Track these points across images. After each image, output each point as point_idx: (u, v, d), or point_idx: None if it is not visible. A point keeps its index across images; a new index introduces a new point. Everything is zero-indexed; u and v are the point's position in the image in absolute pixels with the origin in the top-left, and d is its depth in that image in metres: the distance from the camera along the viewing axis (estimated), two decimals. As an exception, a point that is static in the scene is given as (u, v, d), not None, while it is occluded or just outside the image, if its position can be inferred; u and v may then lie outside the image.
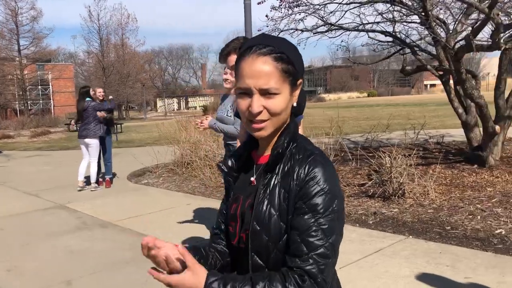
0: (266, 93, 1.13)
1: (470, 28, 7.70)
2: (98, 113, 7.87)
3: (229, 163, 1.29)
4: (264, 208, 1.15)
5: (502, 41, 5.23)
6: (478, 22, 6.27)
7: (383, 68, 66.63)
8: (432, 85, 78.83)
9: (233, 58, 3.21)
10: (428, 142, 10.96)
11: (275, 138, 1.21)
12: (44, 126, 27.52)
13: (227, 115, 4.02)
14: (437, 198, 5.89)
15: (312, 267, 1.07)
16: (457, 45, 6.72)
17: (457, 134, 12.47)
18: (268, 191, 1.16)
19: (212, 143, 9.06)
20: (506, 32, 7.22)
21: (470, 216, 5.09)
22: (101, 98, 8.19)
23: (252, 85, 1.12)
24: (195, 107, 58.41)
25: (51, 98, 45.94)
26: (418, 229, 4.92)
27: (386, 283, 3.66)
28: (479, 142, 8.01)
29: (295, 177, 1.14)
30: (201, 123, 4.19)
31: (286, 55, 1.15)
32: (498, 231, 4.61)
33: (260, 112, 1.13)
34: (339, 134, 10.65)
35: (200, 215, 6.10)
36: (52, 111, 43.96)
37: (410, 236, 4.76)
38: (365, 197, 6.25)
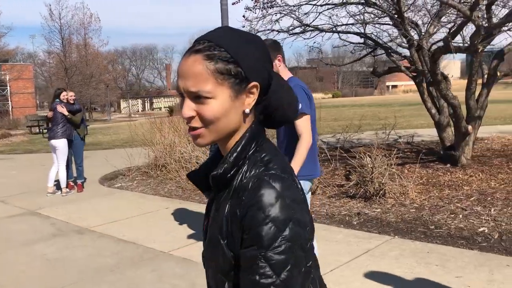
0: (195, 97, 0.98)
1: (443, 30, 7.89)
2: (58, 107, 7.54)
3: (198, 169, 1.14)
4: (214, 231, 1.01)
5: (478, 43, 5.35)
6: (456, 24, 6.40)
7: (347, 70, 67.72)
8: (394, 86, 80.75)
9: None
10: (399, 142, 11.18)
11: (232, 147, 1.03)
12: (3, 129, 26.47)
13: None
14: (417, 197, 5.98)
15: None
16: (434, 47, 6.84)
17: (425, 134, 12.78)
18: (218, 212, 1.01)
19: (187, 144, 8.91)
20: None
21: (452, 215, 5.18)
22: (71, 102, 7.92)
23: (181, 87, 0.99)
24: (160, 108, 57.69)
25: (9, 99, 44.29)
26: (402, 229, 4.96)
27: (380, 285, 3.65)
28: (451, 142, 8.21)
29: (240, 201, 0.95)
30: None
31: (229, 52, 0.98)
32: (481, 229, 4.70)
33: (191, 118, 0.99)
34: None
35: (180, 219, 5.96)
36: (11, 112, 42.38)
37: (396, 236, 4.79)
38: (346, 197, 6.27)
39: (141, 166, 9.52)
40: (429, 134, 12.88)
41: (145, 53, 77.09)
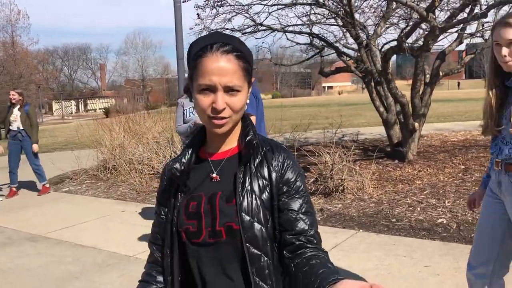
0: (229, 90, 1.17)
1: (389, 31, 8.19)
2: None
3: (179, 166, 1.27)
4: (250, 198, 1.20)
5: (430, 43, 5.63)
6: (407, 25, 6.67)
7: (285, 71, 68.89)
8: (330, 87, 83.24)
9: None
10: (345, 140, 11.51)
11: (230, 134, 1.28)
12: None
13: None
14: (374, 192, 6.18)
15: (316, 239, 1.23)
16: (386, 47, 7.10)
17: (367, 132, 13.25)
18: (247, 182, 1.22)
19: (137, 145, 8.65)
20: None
21: (411, 208, 5.40)
22: (13, 101, 7.46)
23: (217, 82, 1.15)
24: (95, 110, 55.74)
25: None
26: (366, 223, 5.11)
27: (353, 278, 3.72)
28: (398, 139, 8.56)
29: (272, 166, 1.24)
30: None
31: (245, 54, 1.21)
32: (440, 220, 4.94)
33: (224, 109, 1.17)
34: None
35: (139, 222, 5.77)
36: None
37: (360, 230, 4.92)
38: (306, 194, 6.34)
39: (88, 168, 9.12)
40: (371, 132, 13.37)
41: (78, 53, 74.09)
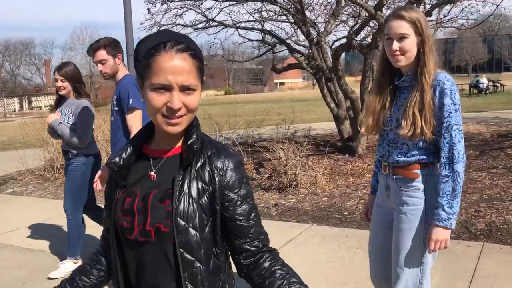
0: (185, 89, 1.17)
1: (339, 28, 8.39)
2: None
3: (118, 160, 1.27)
4: (187, 203, 1.19)
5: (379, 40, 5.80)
6: (357, 23, 6.84)
7: (237, 67, 68.88)
8: (281, 84, 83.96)
9: (100, 54, 3.46)
10: (297, 136, 11.68)
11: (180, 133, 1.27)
12: None
13: (67, 122, 4.01)
14: (326, 186, 6.31)
15: (268, 241, 1.30)
16: (336, 44, 7.24)
17: (319, 128, 13.50)
18: (186, 186, 1.21)
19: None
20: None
21: (362, 201, 5.56)
22: None
23: (173, 81, 1.15)
24: (40, 107, 53.52)
25: None
26: (319, 217, 5.21)
27: (310, 271, 3.79)
28: (349, 134, 8.78)
29: (217, 170, 1.23)
30: (47, 116, 4.16)
31: (198, 53, 1.21)
32: (389, 212, 5.11)
33: (179, 108, 1.17)
34: (214, 131, 10.71)
35: (89, 222, 5.61)
36: None
37: (314, 224, 5.02)
38: (260, 190, 6.40)
39: (34, 169, 8.76)
40: (322, 127, 13.62)
41: (20, 48, 70.75)
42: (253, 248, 1.25)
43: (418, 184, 2.13)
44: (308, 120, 16.76)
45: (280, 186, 6.24)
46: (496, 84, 28.14)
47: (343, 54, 8.46)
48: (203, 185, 1.22)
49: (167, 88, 1.16)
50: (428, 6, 6.59)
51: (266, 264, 1.25)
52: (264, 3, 8.98)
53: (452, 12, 8.82)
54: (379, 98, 2.23)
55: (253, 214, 1.26)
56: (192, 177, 1.21)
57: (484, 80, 26.19)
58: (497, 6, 7.10)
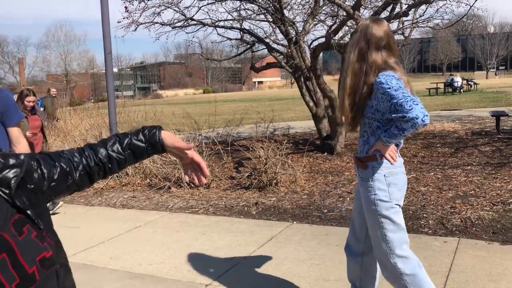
0: None
1: (317, 27, 8.44)
2: None
3: None
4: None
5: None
6: (335, 22, 6.89)
7: (216, 66, 68.68)
8: (260, 82, 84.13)
9: None
10: (276, 134, 11.72)
11: None
12: None
13: None
14: (306, 184, 6.36)
15: None
16: (315, 43, 7.30)
17: (297, 126, 13.57)
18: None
19: (63, 144, 8.27)
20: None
21: (341, 199, 5.63)
22: None
23: None
24: (14, 107, 52.30)
25: None
26: (299, 215, 5.25)
27: (291, 268, 3.83)
28: (327, 132, 8.85)
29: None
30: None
31: None
32: (368, 209, 5.18)
33: None
34: (192, 131, 10.67)
35: (66, 223, 5.54)
36: None
37: (294, 222, 5.05)
38: (240, 189, 6.41)
39: None
40: (300, 126, 13.69)
41: (-8, 46, 69.10)
42: None
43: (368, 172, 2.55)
44: (287, 119, 16.82)
45: (260, 185, 6.26)
46: (470, 82, 28.74)
47: (321, 53, 8.55)
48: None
49: None
50: (404, 6, 6.70)
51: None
52: (242, 2, 8.99)
53: (427, 12, 8.99)
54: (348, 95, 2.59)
55: None
56: None
57: (458, 79, 26.70)
58: (471, 6, 7.27)
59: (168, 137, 1.43)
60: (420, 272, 2.54)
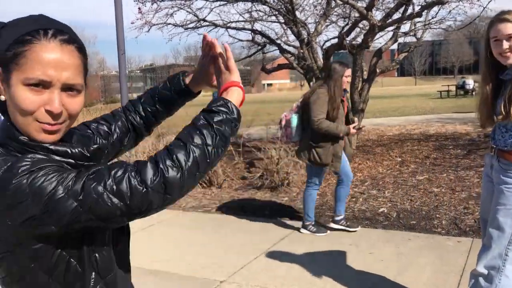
0: (68, 89, 0.96)
1: (329, 29, 8.46)
2: None
3: None
4: None
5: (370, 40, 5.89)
6: (349, 23, 6.91)
7: (225, 68, 68.74)
8: (269, 85, 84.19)
9: None
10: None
11: None
12: None
13: None
14: (318, 185, 6.36)
15: None
16: (327, 44, 7.31)
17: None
18: None
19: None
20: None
21: (354, 199, 5.63)
22: None
23: (55, 77, 0.93)
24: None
25: None
26: (312, 215, 5.25)
27: (304, 267, 3.84)
28: (339, 134, 8.85)
29: None
30: None
31: (84, 48, 1.01)
32: (381, 210, 5.19)
33: (61, 112, 0.95)
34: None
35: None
36: None
37: (307, 222, 5.06)
38: (252, 189, 6.44)
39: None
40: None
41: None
42: None
43: None
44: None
45: (272, 185, 6.28)
46: (481, 85, 28.52)
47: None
48: None
49: (46, 85, 0.93)
50: (417, 8, 6.70)
51: None
52: (254, 4, 9.04)
53: (439, 14, 8.97)
54: (490, 92, 2.46)
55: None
56: None
57: (470, 82, 26.56)
58: (484, 8, 7.24)
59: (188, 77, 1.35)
60: None
